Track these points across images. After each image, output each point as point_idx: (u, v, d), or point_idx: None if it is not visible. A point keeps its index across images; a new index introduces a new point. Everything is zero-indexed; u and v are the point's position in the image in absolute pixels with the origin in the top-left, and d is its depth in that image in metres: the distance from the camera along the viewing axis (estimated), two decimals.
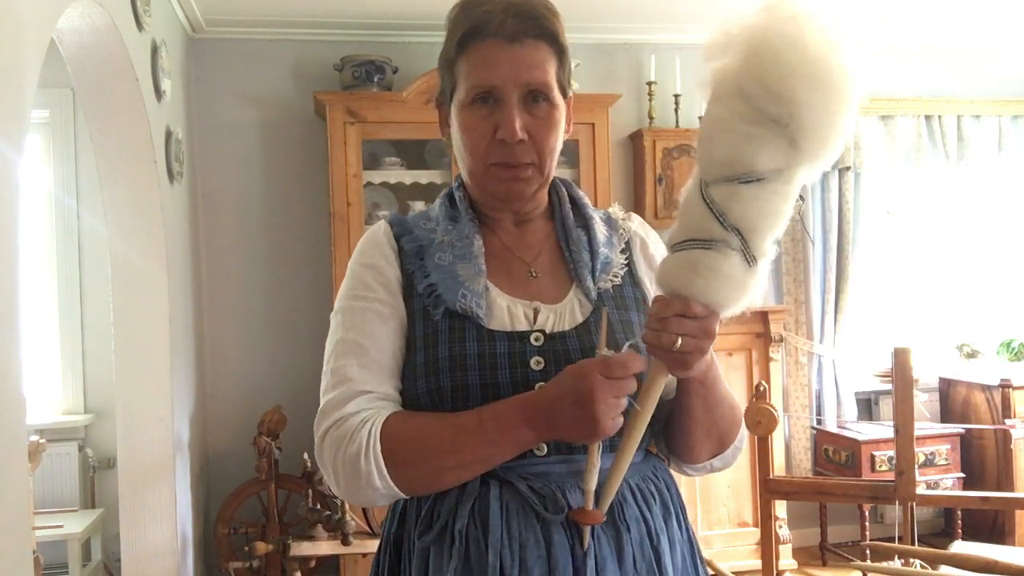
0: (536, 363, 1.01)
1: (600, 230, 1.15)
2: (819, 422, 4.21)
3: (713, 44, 0.91)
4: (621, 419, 0.93)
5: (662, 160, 3.95)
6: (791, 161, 0.90)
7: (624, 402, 0.93)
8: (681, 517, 1.10)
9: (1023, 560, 2.02)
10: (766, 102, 0.87)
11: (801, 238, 4.20)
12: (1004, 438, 3.94)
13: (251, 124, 3.81)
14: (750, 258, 0.91)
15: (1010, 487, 3.86)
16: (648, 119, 4.01)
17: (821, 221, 4.19)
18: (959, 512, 3.85)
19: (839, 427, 4.14)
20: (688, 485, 3.73)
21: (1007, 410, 3.95)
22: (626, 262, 1.14)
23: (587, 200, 1.19)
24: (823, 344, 4.19)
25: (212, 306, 3.82)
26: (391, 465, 0.97)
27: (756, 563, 3.47)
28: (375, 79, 3.62)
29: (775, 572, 2.68)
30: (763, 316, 3.84)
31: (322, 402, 1.04)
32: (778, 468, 3.75)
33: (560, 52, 1.07)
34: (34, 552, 2.21)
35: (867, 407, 4.36)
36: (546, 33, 1.05)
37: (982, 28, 4.12)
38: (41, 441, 2.96)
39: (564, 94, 1.09)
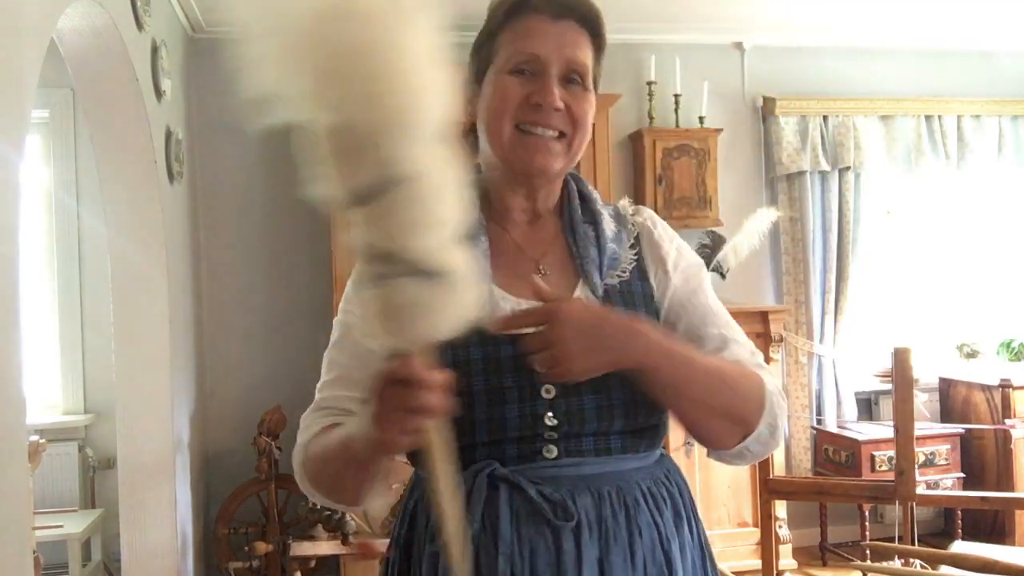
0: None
1: (608, 225, 1.12)
2: (819, 422, 4.21)
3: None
4: (414, 435, 0.83)
5: (662, 160, 3.95)
6: (385, 169, 0.75)
7: (414, 418, 0.82)
8: (693, 522, 1.08)
9: (1023, 560, 2.02)
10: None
11: (801, 237, 4.20)
12: (1004, 438, 3.94)
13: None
14: (424, 273, 0.78)
15: (1010, 487, 3.86)
16: (648, 119, 4.01)
17: (821, 221, 4.19)
18: (959, 512, 3.85)
19: (839, 427, 4.13)
20: (688, 485, 3.73)
21: (1007, 410, 3.95)
22: (635, 257, 1.12)
23: (596, 195, 1.16)
24: (823, 344, 4.19)
25: (212, 306, 3.82)
26: (312, 481, 1.04)
27: (756, 563, 3.47)
28: None
29: (775, 572, 2.68)
30: (763, 316, 3.84)
31: None
32: (778, 468, 3.74)
33: (598, 47, 1.08)
34: (34, 552, 2.20)
35: (867, 407, 4.36)
36: (588, 21, 1.06)
37: (982, 28, 4.13)
38: (41, 441, 2.96)
39: (595, 89, 1.09)
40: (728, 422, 1.03)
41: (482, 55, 1.09)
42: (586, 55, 1.06)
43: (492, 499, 0.97)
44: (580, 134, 1.06)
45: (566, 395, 0.99)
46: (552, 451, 0.99)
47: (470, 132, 1.15)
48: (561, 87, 1.04)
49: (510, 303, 1.05)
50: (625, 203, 1.19)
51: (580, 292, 1.07)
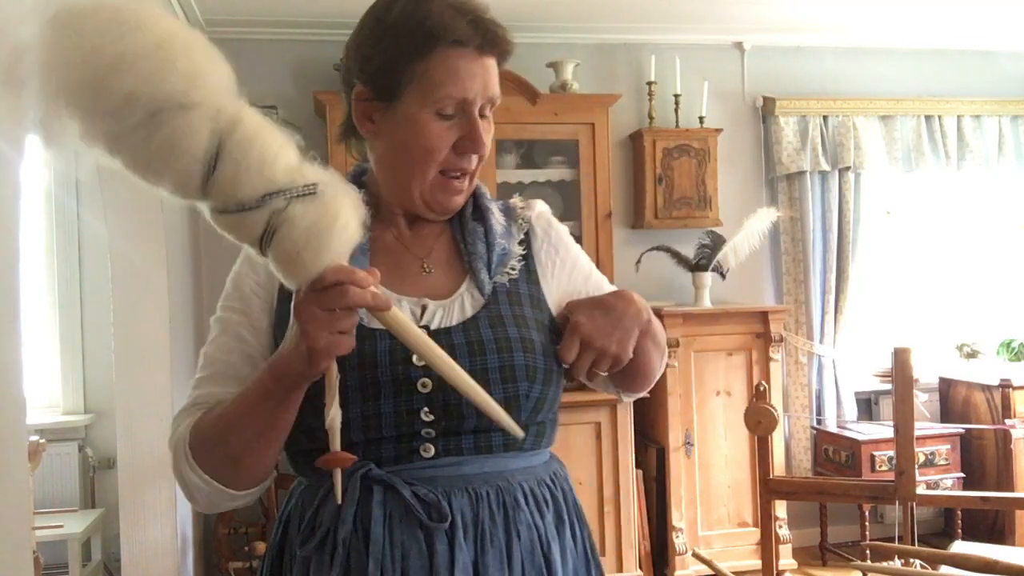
0: (418, 359, 0.97)
1: (498, 220, 1.12)
2: (819, 422, 4.21)
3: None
4: (340, 337, 0.85)
5: (662, 160, 3.95)
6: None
7: (346, 316, 0.85)
8: (577, 528, 1.07)
9: (1023, 560, 2.02)
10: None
11: (801, 237, 4.19)
12: (1004, 438, 3.94)
13: None
14: (304, 192, 0.84)
15: (1010, 487, 3.86)
16: (648, 119, 4.01)
17: (821, 221, 4.19)
18: (959, 512, 3.85)
19: (839, 427, 4.13)
20: (688, 485, 3.73)
21: (1007, 410, 3.95)
22: (524, 253, 1.11)
23: (485, 190, 1.16)
24: (823, 344, 4.19)
25: (212, 306, 3.80)
26: (199, 459, 0.98)
27: (756, 563, 3.47)
28: None
29: (775, 572, 2.68)
30: (763, 316, 3.84)
31: None
32: (778, 468, 3.75)
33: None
34: (34, 552, 2.21)
35: (867, 407, 4.36)
36: (504, 50, 1.05)
37: (982, 28, 4.13)
38: (41, 441, 2.96)
39: None
40: (662, 354, 1.15)
41: (391, 73, 1.01)
42: (498, 85, 1.05)
43: (365, 501, 0.96)
44: (482, 164, 1.09)
45: (443, 388, 0.96)
46: (430, 449, 0.98)
47: (350, 132, 1.11)
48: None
49: (391, 298, 1.03)
50: (517, 199, 1.19)
51: (466, 289, 1.06)
